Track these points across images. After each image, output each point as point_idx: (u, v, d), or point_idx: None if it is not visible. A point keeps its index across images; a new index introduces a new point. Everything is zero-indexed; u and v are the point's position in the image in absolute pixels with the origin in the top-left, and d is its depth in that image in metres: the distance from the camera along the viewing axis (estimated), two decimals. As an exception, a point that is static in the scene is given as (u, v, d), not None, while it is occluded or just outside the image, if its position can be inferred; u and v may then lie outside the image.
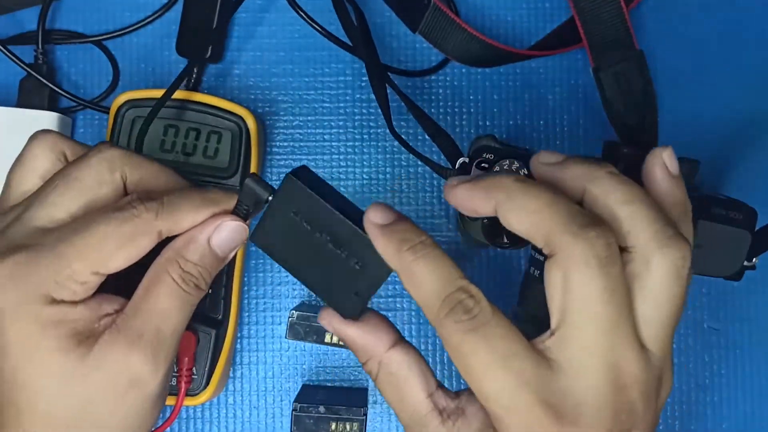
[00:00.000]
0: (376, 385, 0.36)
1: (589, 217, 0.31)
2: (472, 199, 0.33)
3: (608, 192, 0.32)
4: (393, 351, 0.35)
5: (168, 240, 0.37)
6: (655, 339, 0.32)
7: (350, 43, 0.51)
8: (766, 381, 0.52)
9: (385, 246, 0.33)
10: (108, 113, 0.49)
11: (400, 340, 0.36)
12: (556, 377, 0.31)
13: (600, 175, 0.33)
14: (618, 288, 0.31)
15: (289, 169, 0.51)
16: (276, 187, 0.35)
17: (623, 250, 0.32)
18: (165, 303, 0.36)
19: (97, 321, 0.35)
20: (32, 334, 0.34)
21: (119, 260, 0.35)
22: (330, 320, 0.36)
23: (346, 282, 0.35)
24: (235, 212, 0.37)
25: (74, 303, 0.35)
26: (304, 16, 0.52)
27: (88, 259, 0.35)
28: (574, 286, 0.31)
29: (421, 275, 0.32)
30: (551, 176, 0.34)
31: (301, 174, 0.34)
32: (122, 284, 0.36)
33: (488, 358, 0.31)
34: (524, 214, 0.32)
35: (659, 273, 0.31)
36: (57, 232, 0.35)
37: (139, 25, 0.52)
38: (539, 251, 0.42)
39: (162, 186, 0.39)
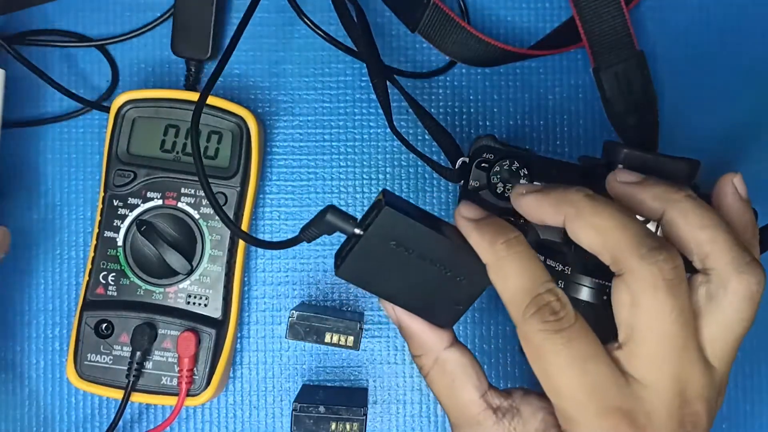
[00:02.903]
0: (426, 379, 0.37)
1: (657, 240, 0.32)
2: (541, 210, 0.34)
3: (687, 215, 0.33)
4: (450, 350, 0.37)
5: None
6: (720, 357, 0.33)
7: (353, 47, 0.51)
8: (766, 381, 0.52)
9: (479, 239, 0.34)
10: (108, 113, 0.49)
11: (456, 340, 0.37)
12: (629, 385, 0.32)
13: (679, 198, 0.34)
14: (685, 308, 0.32)
15: (290, 169, 0.52)
16: (356, 217, 0.34)
17: (700, 271, 0.33)
18: None
19: None
20: None
21: None
22: (394, 308, 0.37)
23: (447, 296, 0.35)
24: (302, 236, 0.35)
25: None
26: (311, 25, 0.52)
27: None
28: (643, 306, 0.32)
29: (511, 271, 0.33)
30: (629, 196, 0.35)
31: (392, 201, 0.33)
32: None
33: (569, 358, 0.32)
34: (594, 232, 0.33)
35: (735, 297, 0.33)
36: None
37: (141, 31, 0.52)
38: (539, 251, 0.42)
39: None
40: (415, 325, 0.37)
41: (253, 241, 0.40)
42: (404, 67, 0.53)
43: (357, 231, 0.34)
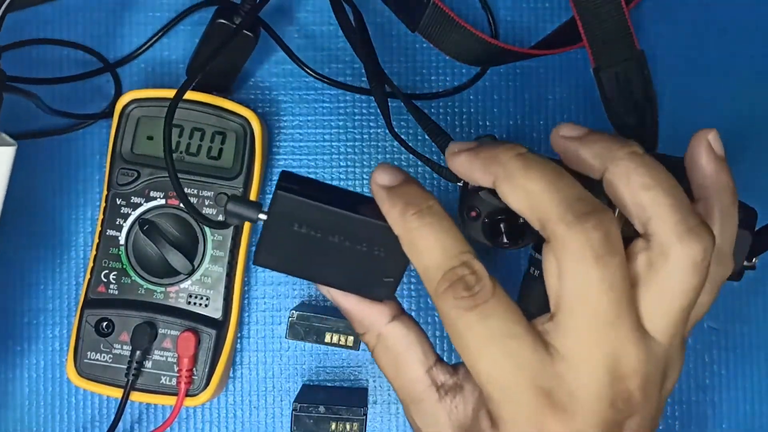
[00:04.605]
0: (373, 357, 0.35)
1: (588, 204, 0.30)
2: (472, 170, 0.32)
3: (629, 175, 0.30)
4: (392, 325, 0.34)
5: None
6: (662, 329, 0.30)
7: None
8: (766, 381, 0.52)
9: (389, 209, 0.31)
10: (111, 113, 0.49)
11: (400, 313, 0.35)
12: (553, 362, 0.30)
13: (622, 156, 0.31)
14: (617, 279, 0.29)
15: (291, 170, 0.52)
16: (264, 202, 0.33)
17: (641, 237, 0.31)
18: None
19: None
20: None
21: None
22: (328, 289, 0.35)
23: (373, 270, 0.33)
24: (227, 221, 0.34)
25: None
26: (310, 72, 0.52)
27: None
28: (568, 276, 0.29)
29: (423, 244, 0.31)
30: (570, 152, 0.33)
31: (289, 184, 0.32)
32: None
33: (485, 337, 0.30)
34: (522, 194, 0.30)
35: (676, 266, 0.30)
36: None
37: (146, 46, 0.52)
38: (538, 250, 0.42)
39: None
40: (350, 303, 0.34)
41: (201, 217, 0.40)
42: (404, 69, 0.53)
43: (261, 216, 0.32)
